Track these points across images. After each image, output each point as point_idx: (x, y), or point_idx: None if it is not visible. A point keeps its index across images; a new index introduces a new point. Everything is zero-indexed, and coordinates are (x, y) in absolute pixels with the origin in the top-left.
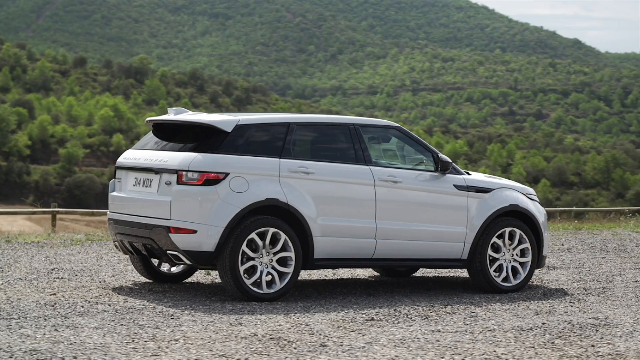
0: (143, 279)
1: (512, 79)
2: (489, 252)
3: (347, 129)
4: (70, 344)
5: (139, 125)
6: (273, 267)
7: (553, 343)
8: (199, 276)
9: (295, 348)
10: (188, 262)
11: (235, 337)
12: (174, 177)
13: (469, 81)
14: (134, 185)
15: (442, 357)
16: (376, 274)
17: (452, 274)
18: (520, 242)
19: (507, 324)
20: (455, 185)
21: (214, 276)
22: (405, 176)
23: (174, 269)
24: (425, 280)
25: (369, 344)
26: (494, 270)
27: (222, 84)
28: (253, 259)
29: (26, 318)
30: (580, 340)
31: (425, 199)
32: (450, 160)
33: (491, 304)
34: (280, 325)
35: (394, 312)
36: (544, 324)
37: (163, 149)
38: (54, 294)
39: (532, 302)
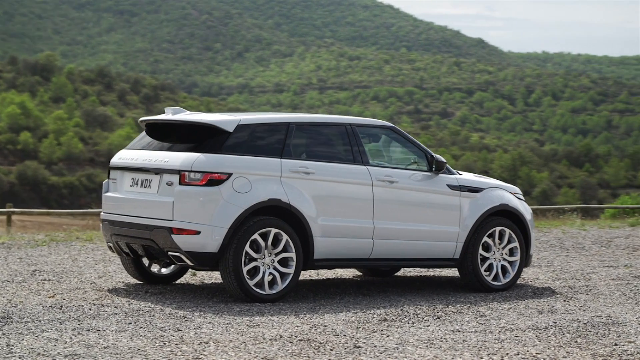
0: (133, 280)
1: (417, 78)
2: (480, 251)
3: (344, 128)
4: (104, 347)
5: (47, 123)
6: (275, 268)
7: (577, 342)
8: (187, 277)
9: (331, 349)
10: (190, 263)
11: (264, 339)
12: (176, 178)
13: (375, 80)
14: (130, 186)
15: (482, 358)
16: (359, 273)
17: (432, 273)
18: (509, 242)
19: (521, 324)
20: (448, 185)
21: (202, 277)
22: (401, 176)
23: (164, 270)
24: (409, 279)
25: (401, 345)
26: (485, 270)
27: (130, 82)
28: (255, 259)
29: (40, 321)
30: (600, 339)
31: (421, 198)
32: (445, 160)
33: (492, 303)
34: (297, 326)
35: (402, 312)
36: (555, 322)
37: (162, 149)
38: (53, 296)
39: (528, 300)
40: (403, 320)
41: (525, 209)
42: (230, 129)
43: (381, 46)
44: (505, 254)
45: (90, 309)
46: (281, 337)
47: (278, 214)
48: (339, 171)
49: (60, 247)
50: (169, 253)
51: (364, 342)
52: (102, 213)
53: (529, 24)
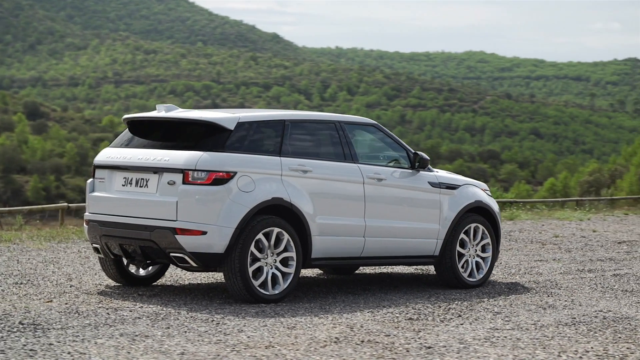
0: (106, 282)
1: (214, 72)
2: (457, 248)
3: (333, 126)
4: (180, 353)
5: None
6: (277, 268)
7: (620, 337)
8: (167, 278)
9: (407, 351)
10: (193, 264)
11: (319, 341)
12: (178, 177)
13: (172, 74)
14: (123, 185)
15: (559, 356)
16: (320, 271)
17: (392, 270)
18: (482, 238)
19: (544, 320)
20: (429, 183)
21: (181, 277)
22: (387, 173)
23: (142, 272)
24: (372, 277)
25: (465, 344)
26: (461, 266)
27: None
28: (259, 259)
29: (75, 328)
30: (626, 334)
31: (406, 196)
32: (429, 158)
33: (491, 300)
34: (334, 327)
35: (419, 311)
36: (574, 318)
37: (157, 147)
38: (50, 301)
39: (515, 296)
40: (429, 320)
41: (495, 205)
42: (231, 126)
43: (177, 40)
44: (479, 250)
45: (108, 314)
46: (345, 338)
47: (279, 213)
48: (334, 169)
49: (14, 249)
50: (171, 254)
51: (424, 342)
52: (87, 214)
53: (322, 19)
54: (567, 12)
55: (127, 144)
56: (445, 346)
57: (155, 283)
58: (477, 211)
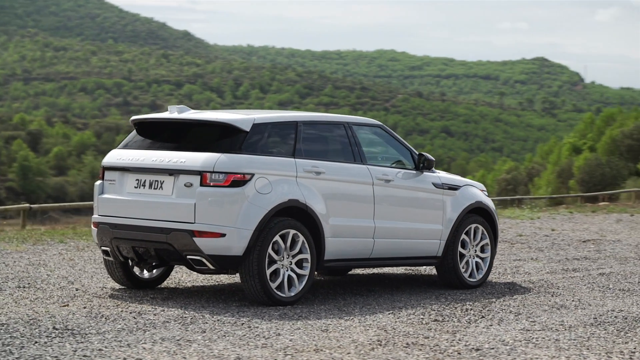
0: (111, 284)
1: (126, 70)
2: (459, 248)
3: (342, 127)
4: (236, 358)
5: None
6: (292, 270)
7: None
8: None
9: (459, 353)
10: (211, 267)
11: (372, 344)
12: (196, 179)
13: (82, 71)
14: (135, 187)
15: (609, 357)
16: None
17: (383, 271)
18: (482, 238)
19: (567, 321)
20: (433, 183)
21: (182, 279)
22: (394, 174)
23: (146, 274)
24: (367, 277)
25: (510, 346)
26: (462, 267)
27: None
28: (276, 262)
29: (111, 332)
30: None
31: (412, 197)
32: (434, 159)
33: (501, 301)
34: (369, 330)
35: (438, 312)
36: (595, 319)
37: (170, 148)
38: (66, 305)
39: (521, 297)
40: (455, 321)
41: (492, 206)
42: (247, 128)
43: (87, 37)
44: (478, 250)
45: (134, 318)
46: (379, 342)
47: (293, 215)
48: (345, 170)
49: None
50: (188, 257)
51: (468, 344)
52: (96, 216)
53: (232, 17)
54: (474, 11)
55: (138, 146)
56: (493, 348)
57: (158, 286)
58: (476, 212)
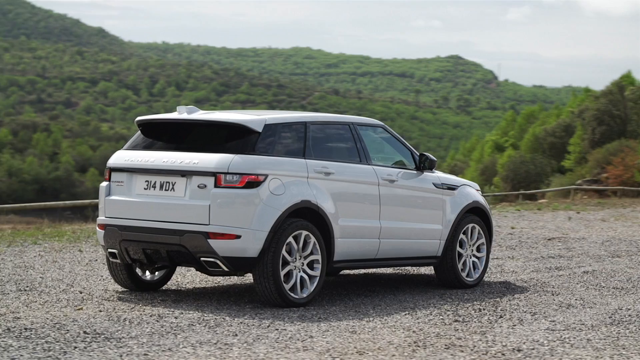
0: (112, 287)
1: (39, 67)
2: (457, 248)
3: (348, 127)
4: None
5: None
6: (304, 271)
7: None
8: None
9: (502, 354)
10: (225, 268)
11: (411, 345)
12: (210, 180)
13: None
14: (145, 189)
15: None
16: None
17: (374, 271)
18: (478, 238)
19: (585, 320)
20: (434, 184)
21: (181, 281)
22: (397, 175)
23: (148, 277)
24: (359, 277)
25: (549, 347)
26: (460, 267)
27: None
28: (289, 263)
29: (142, 337)
30: None
31: (415, 197)
32: (436, 159)
33: (507, 300)
34: (397, 331)
35: (453, 312)
36: (610, 317)
37: (180, 149)
38: (81, 308)
39: (524, 296)
40: (476, 321)
41: (487, 205)
42: (259, 128)
43: None
44: (475, 250)
45: (157, 321)
46: (415, 343)
47: (305, 216)
48: (353, 171)
49: None
50: (202, 258)
51: (507, 345)
52: (102, 218)
53: (146, 14)
54: (388, 9)
55: (146, 147)
56: (533, 349)
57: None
58: (472, 211)
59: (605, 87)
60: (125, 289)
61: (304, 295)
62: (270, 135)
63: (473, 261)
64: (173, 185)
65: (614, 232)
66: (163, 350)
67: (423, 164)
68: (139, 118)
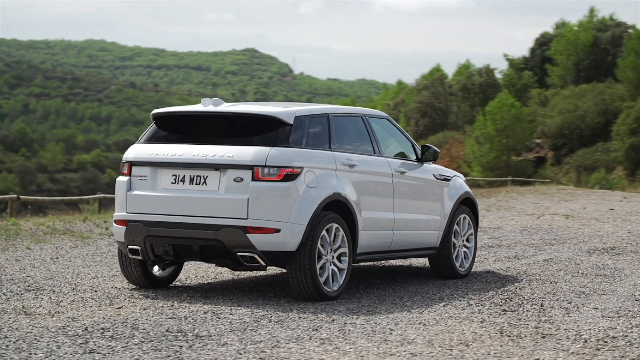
0: (127, 284)
1: None
2: (452, 239)
3: (361, 119)
4: (384, 354)
5: None
6: (334, 264)
7: None
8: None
9: (585, 341)
10: (263, 263)
11: (484, 337)
12: (247, 174)
13: None
14: (172, 183)
15: None
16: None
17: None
18: (467, 229)
19: (619, 305)
20: (433, 175)
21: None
22: (406, 166)
23: (158, 273)
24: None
25: (624, 333)
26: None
27: None
28: (322, 256)
29: (223, 335)
30: None
31: (421, 188)
32: (439, 150)
33: (512, 289)
34: (428, 328)
35: (479, 302)
36: (620, 307)
37: (208, 142)
38: (121, 307)
39: (519, 285)
40: (523, 310)
41: (474, 196)
42: (291, 121)
43: None
44: (465, 240)
45: (218, 318)
46: (500, 333)
47: (334, 209)
48: (373, 163)
49: None
50: (238, 253)
51: (578, 332)
52: (123, 214)
53: None
54: (179, 2)
55: (168, 140)
56: (598, 339)
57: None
58: (463, 202)
59: (421, 79)
60: (135, 287)
61: (335, 288)
62: (300, 127)
63: (464, 251)
64: (205, 179)
65: (515, 221)
66: (262, 351)
67: (426, 156)
68: (155, 111)
